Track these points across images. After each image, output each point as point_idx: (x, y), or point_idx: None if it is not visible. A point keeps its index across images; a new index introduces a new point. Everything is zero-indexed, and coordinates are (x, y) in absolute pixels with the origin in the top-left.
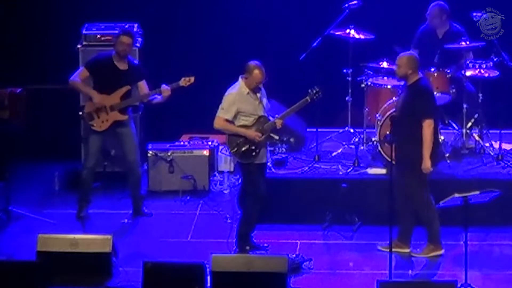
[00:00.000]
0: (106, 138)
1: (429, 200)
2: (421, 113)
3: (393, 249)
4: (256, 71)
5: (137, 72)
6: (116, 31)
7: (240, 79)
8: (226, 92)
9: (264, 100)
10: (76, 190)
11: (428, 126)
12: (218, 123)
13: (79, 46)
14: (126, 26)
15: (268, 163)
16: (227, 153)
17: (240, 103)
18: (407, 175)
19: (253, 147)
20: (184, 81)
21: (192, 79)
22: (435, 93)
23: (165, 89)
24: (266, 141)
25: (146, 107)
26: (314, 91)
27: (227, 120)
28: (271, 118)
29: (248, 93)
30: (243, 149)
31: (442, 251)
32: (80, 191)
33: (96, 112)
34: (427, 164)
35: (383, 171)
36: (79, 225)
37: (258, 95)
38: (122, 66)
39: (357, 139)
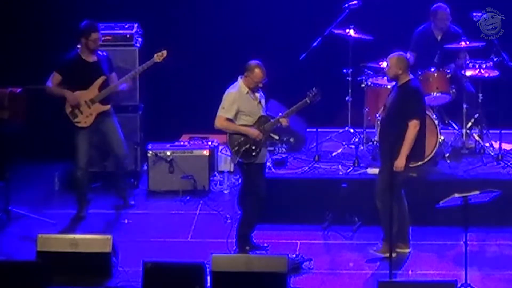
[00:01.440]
0: (93, 134)
1: (402, 201)
2: (409, 113)
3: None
4: (257, 70)
5: (108, 62)
6: (116, 31)
7: (239, 79)
8: (225, 92)
9: (263, 102)
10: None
11: (414, 126)
12: (219, 122)
13: (79, 46)
14: (126, 26)
15: (268, 163)
16: (228, 153)
17: (240, 102)
18: (392, 173)
19: (254, 147)
20: (158, 57)
21: (165, 52)
22: (435, 93)
23: (130, 76)
24: (267, 140)
25: (146, 107)
26: (313, 93)
27: (228, 119)
28: (271, 120)
29: (247, 92)
30: (244, 148)
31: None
32: (77, 192)
33: (79, 109)
34: (401, 162)
35: None
36: (79, 225)
37: (257, 95)
38: (91, 58)
39: (357, 139)
